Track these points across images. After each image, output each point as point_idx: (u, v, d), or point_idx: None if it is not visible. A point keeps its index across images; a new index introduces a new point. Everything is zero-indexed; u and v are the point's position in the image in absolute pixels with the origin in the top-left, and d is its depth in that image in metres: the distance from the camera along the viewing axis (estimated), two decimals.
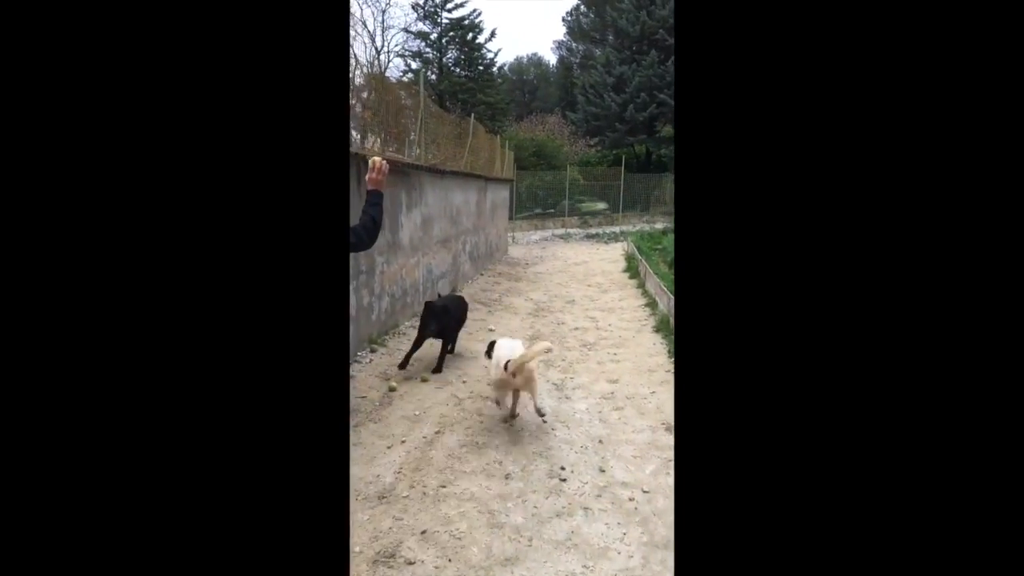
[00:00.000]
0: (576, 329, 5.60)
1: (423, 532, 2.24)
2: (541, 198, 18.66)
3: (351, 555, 2.12)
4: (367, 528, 2.27)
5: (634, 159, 21.37)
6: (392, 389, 3.83)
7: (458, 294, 5.33)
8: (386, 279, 5.16)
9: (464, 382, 4.05)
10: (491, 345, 3.61)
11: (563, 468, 2.78)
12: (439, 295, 5.19)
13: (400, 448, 3.00)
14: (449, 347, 4.51)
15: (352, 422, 3.32)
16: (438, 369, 4.22)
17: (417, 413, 3.47)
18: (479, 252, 9.03)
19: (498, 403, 3.35)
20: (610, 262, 10.45)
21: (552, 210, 18.59)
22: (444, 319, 4.29)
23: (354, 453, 2.93)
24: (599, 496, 2.52)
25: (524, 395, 3.27)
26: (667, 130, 21.62)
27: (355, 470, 2.76)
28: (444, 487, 2.59)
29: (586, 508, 2.42)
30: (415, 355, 4.29)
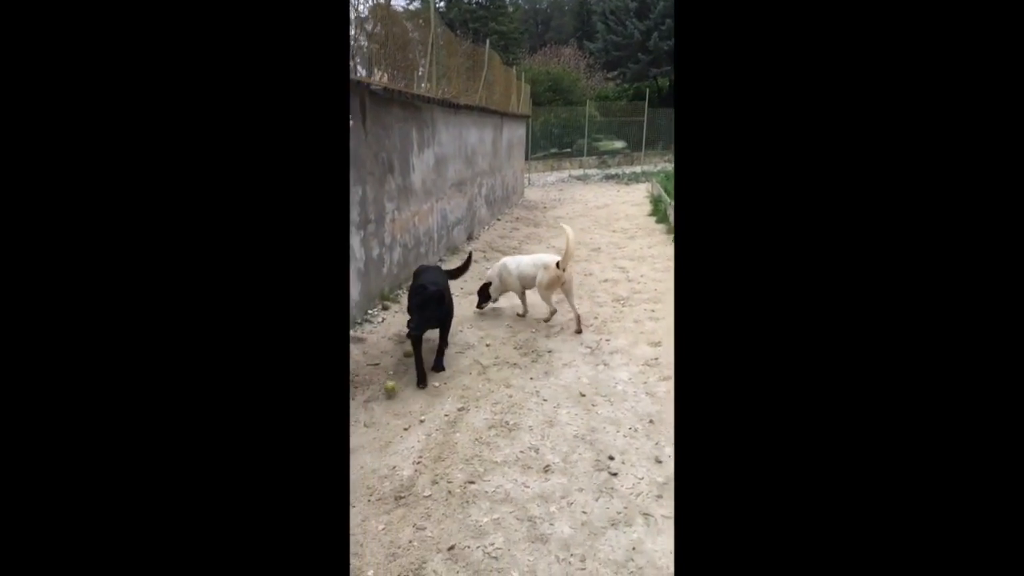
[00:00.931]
0: (605, 281, 5.09)
1: (450, 548, 1.84)
2: (556, 136, 17.57)
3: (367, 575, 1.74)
4: (382, 541, 1.87)
5: (656, 93, 20.00)
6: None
7: (434, 264, 3.90)
8: (397, 227, 4.65)
9: (488, 345, 3.60)
10: (487, 283, 4.06)
11: (611, 458, 2.35)
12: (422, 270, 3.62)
13: (419, 429, 2.59)
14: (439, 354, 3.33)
15: (363, 396, 2.91)
16: (438, 366, 3.23)
17: (436, 385, 3.05)
18: (495, 195, 8.43)
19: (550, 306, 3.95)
20: (633, 205, 9.81)
21: (568, 149, 17.58)
22: (444, 306, 3.19)
23: (367, 437, 2.53)
24: (660, 497, 2.10)
25: (547, 296, 3.88)
26: None
27: (368, 459, 2.36)
28: (472, 483, 2.19)
29: (646, 515, 2.00)
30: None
